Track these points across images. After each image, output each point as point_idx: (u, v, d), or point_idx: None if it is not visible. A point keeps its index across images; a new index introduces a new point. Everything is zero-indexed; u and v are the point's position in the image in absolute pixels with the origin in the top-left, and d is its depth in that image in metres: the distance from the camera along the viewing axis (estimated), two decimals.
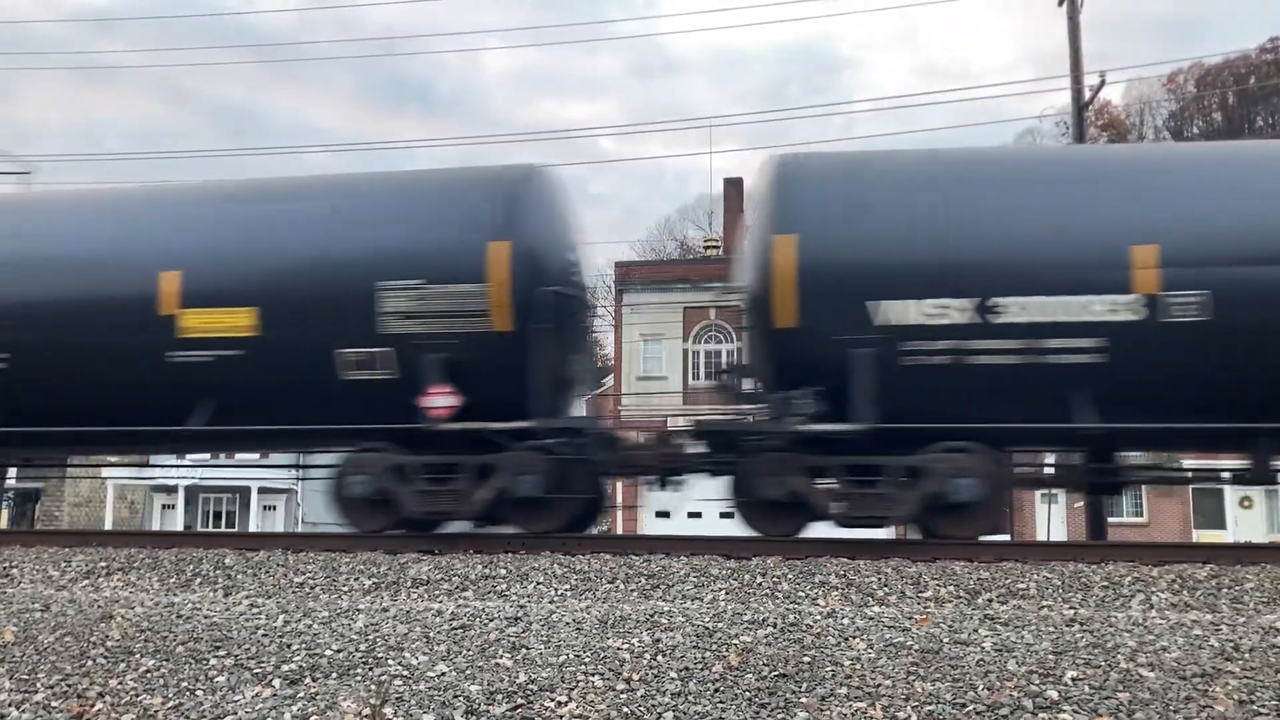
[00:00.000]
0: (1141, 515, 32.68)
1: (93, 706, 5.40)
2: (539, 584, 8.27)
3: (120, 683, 5.66)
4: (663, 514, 32.57)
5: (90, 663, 5.98)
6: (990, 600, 7.63)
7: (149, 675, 5.75)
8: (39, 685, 5.68)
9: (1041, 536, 27.67)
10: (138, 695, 5.51)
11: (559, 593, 8.02)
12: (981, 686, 5.29)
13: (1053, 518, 26.89)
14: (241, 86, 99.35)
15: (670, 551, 9.29)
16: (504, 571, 8.60)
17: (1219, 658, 5.70)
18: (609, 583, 8.27)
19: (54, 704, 5.46)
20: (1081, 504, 21.79)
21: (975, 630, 6.26)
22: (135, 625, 6.64)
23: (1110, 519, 20.82)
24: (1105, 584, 7.97)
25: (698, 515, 31.14)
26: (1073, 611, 7.00)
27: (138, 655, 6.06)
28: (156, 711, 5.32)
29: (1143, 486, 29.94)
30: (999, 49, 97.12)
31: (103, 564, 9.23)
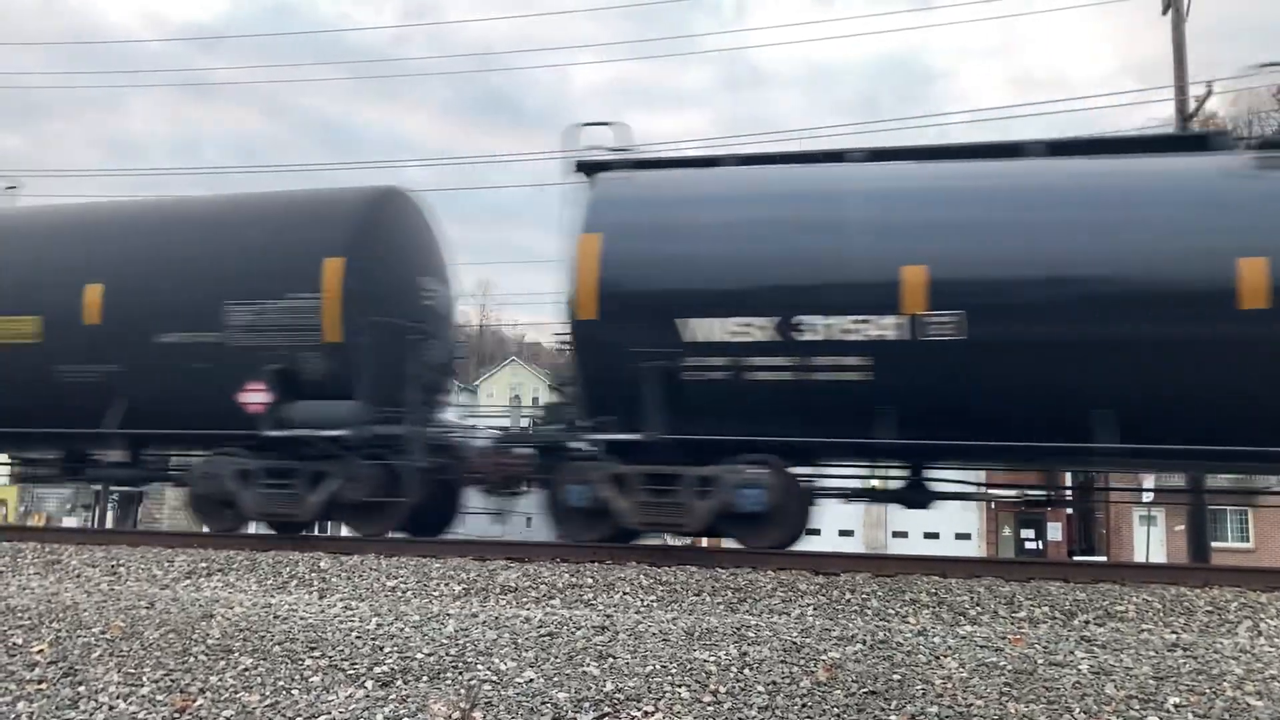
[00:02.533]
0: (1248, 540, 31.46)
1: (194, 701, 5.57)
2: (625, 594, 8.29)
3: (220, 679, 5.84)
4: None
5: (192, 659, 6.17)
6: (1087, 622, 7.44)
7: (247, 673, 5.91)
8: (144, 679, 5.88)
9: (1140, 558, 26.87)
10: (236, 692, 5.67)
11: (645, 603, 8.03)
12: (1078, 710, 5.15)
13: (1151, 539, 26.09)
14: (338, 101, 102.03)
15: (757, 565, 9.24)
16: (591, 581, 8.64)
17: None
18: (695, 595, 8.25)
19: (158, 698, 5.64)
20: (1183, 527, 21.09)
21: (1071, 652, 6.10)
22: (234, 624, 6.83)
23: (1214, 544, 20.08)
24: (1209, 609, 7.70)
25: None
26: (1175, 636, 6.78)
27: (237, 653, 6.23)
28: (254, 708, 5.46)
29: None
30: (1098, 59, 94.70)
31: (203, 564, 9.53)
